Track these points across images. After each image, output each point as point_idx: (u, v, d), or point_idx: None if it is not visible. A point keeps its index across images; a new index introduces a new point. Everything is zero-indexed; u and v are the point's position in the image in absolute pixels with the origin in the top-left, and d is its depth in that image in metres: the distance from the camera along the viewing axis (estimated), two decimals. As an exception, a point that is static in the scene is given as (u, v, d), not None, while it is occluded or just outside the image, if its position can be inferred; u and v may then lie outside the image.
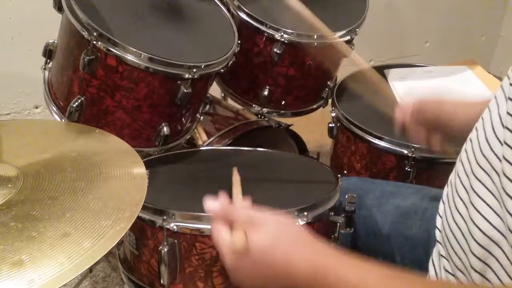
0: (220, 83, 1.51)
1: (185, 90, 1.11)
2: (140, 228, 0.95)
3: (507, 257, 0.63)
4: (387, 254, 1.00)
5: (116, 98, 1.11)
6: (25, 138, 1.01)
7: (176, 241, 0.91)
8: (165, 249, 0.90)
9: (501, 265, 0.64)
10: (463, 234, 0.70)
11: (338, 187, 1.02)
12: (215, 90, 1.44)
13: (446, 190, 0.81)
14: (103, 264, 1.58)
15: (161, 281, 0.93)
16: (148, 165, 0.93)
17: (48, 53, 1.22)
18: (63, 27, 1.17)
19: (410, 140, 1.02)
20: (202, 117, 1.32)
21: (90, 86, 1.10)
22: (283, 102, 1.48)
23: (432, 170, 1.26)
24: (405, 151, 1.24)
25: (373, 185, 1.11)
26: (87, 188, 0.82)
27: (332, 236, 0.98)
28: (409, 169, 1.24)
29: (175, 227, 0.90)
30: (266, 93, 1.44)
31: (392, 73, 1.56)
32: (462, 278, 0.71)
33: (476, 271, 0.68)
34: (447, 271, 0.75)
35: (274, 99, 1.46)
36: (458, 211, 0.72)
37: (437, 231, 0.81)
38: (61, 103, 1.18)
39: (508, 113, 0.64)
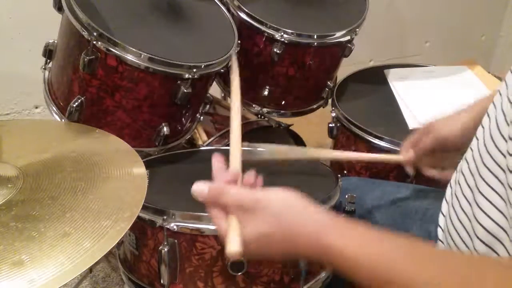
0: (220, 83, 1.51)
1: (185, 90, 1.11)
2: (140, 228, 0.95)
3: (509, 253, 0.64)
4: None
5: (116, 98, 1.11)
6: (25, 138, 1.01)
7: (176, 241, 0.91)
8: (165, 249, 0.90)
9: None
10: (467, 233, 0.70)
11: (338, 187, 1.02)
12: (215, 90, 1.44)
13: (450, 189, 0.81)
14: (103, 264, 1.58)
15: (161, 281, 0.93)
16: (148, 165, 0.93)
17: (48, 53, 1.22)
18: (63, 27, 1.17)
19: (427, 177, 1.03)
20: (202, 117, 1.32)
21: (90, 86, 1.10)
22: (283, 102, 1.48)
23: (432, 170, 1.26)
24: (405, 151, 1.24)
25: (373, 185, 1.11)
26: (87, 188, 0.82)
27: (332, 236, 0.98)
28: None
29: (175, 227, 0.90)
30: (266, 93, 1.44)
31: (392, 73, 1.56)
32: None
33: None
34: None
35: (274, 99, 1.46)
36: (463, 210, 0.72)
37: (439, 230, 0.81)
38: (61, 103, 1.18)
39: None
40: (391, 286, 0.56)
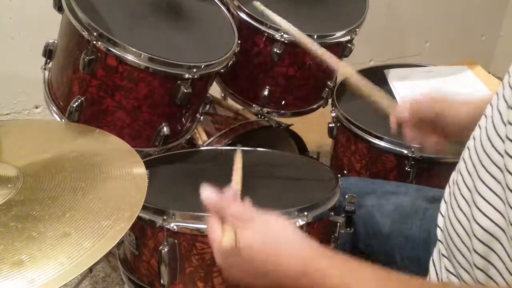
0: (220, 83, 1.51)
1: (185, 90, 1.11)
2: (140, 228, 0.95)
3: (506, 252, 0.64)
4: (387, 254, 1.00)
5: (116, 98, 1.11)
6: (25, 138, 1.01)
7: (176, 241, 0.91)
8: (165, 249, 0.90)
9: (503, 262, 0.65)
10: (466, 232, 0.70)
11: (338, 187, 1.02)
12: (215, 90, 1.44)
13: (448, 189, 0.81)
14: (103, 264, 1.58)
15: (161, 281, 0.93)
16: (148, 165, 0.93)
17: (48, 53, 1.22)
18: (63, 27, 1.17)
19: (404, 140, 1.01)
20: (202, 117, 1.32)
21: (90, 86, 1.10)
22: (283, 102, 1.48)
23: (432, 170, 1.26)
24: (405, 151, 1.24)
25: (373, 185, 1.11)
26: (87, 188, 0.82)
27: (332, 236, 0.98)
28: (409, 169, 1.24)
29: (175, 227, 0.90)
30: (266, 93, 1.44)
31: (392, 73, 1.56)
32: (466, 276, 0.71)
33: (479, 268, 0.68)
34: (448, 270, 0.75)
35: (274, 99, 1.46)
36: (461, 209, 0.72)
37: (438, 231, 0.81)
38: (61, 103, 1.18)
39: (509, 106, 0.64)
40: None
